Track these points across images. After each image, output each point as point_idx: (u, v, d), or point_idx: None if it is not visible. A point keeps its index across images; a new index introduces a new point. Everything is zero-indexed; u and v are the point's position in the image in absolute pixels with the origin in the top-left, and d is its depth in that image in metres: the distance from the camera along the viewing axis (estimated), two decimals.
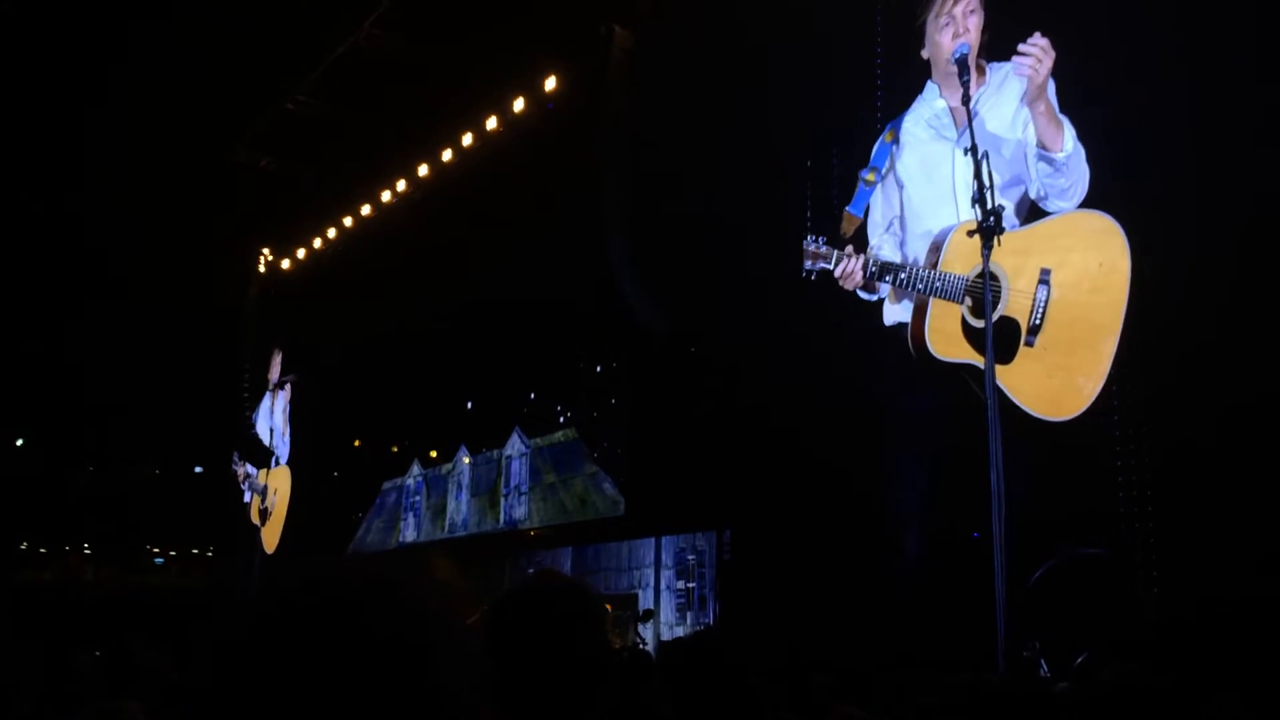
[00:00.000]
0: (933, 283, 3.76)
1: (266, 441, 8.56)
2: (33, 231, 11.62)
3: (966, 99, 3.73)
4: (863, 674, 3.58)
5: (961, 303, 3.76)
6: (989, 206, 3.44)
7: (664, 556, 9.01)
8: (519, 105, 9.41)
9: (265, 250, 12.72)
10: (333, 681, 0.96)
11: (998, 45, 4.03)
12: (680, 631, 8.52)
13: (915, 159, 4.14)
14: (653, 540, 9.09)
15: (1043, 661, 3.73)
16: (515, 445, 10.69)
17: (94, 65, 9.53)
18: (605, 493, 9.34)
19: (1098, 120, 4.01)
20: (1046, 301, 3.78)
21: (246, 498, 8.64)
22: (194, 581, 15.25)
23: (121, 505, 14.27)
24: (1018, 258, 3.78)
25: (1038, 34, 3.63)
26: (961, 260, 3.76)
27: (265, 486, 8.45)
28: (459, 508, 11.40)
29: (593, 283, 8.67)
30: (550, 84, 9.18)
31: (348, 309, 11.61)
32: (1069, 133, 3.77)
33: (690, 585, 8.66)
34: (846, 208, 4.10)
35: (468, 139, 9.92)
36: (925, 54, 4.13)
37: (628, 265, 8.04)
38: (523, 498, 10.47)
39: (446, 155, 10.21)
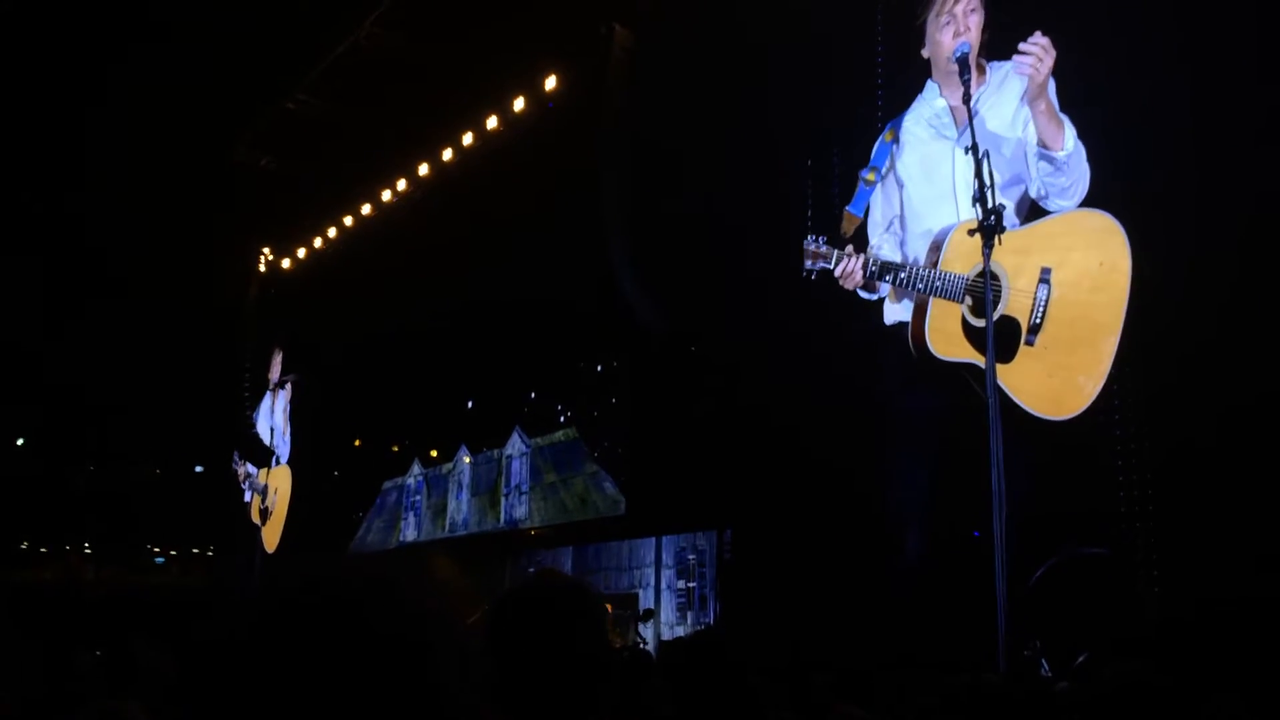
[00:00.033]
0: (933, 282, 3.76)
1: (267, 441, 8.56)
2: (33, 231, 11.61)
3: (967, 98, 3.72)
4: (863, 673, 3.58)
5: (962, 302, 3.76)
6: (989, 205, 3.44)
7: (664, 556, 9.00)
8: (519, 104, 9.41)
9: (266, 249, 12.72)
10: (333, 681, 0.96)
11: (998, 44, 4.03)
12: (681, 631, 8.52)
13: (915, 158, 4.14)
14: (653, 540, 9.08)
15: (1043, 661, 3.73)
16: (516, 445, 10.69)
17: (94, 65, 9.53)
18: (606, 492, 9.34)
19: (1098, 119, 4.01)
20: (1047, 300, 3.78)
21: (247, 497, 8.64)
22: (195, 581, 15.24)
23: (122, 504, 14.27)
24: (1018, 257, 3.78)
25: (1038, 33, 3.63)
26: (962, 259, 3.76)
27: (266, 486, 8.45)
28: (459, 507, 11.39)
29: (593, 282, 8.66)
30: (550, 83, 9.18)
31: (348, 308, 11.60)
32: (1069, 131, 3.77)
33: (691, 585, 8.65)
34: (846, 207, 4.10)
35: (468, 138, 9.92)
36: (925, 53, 4.13)
37: (628, 265, 8.04)
38: (523, 497, 10.47)
39: (447, 154, 10.21)
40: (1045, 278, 3.79)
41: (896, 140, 4.20)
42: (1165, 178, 4.56)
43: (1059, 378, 3.78)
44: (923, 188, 4.11)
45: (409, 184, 10.80)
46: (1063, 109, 3.80)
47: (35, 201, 11.38)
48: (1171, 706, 2.20)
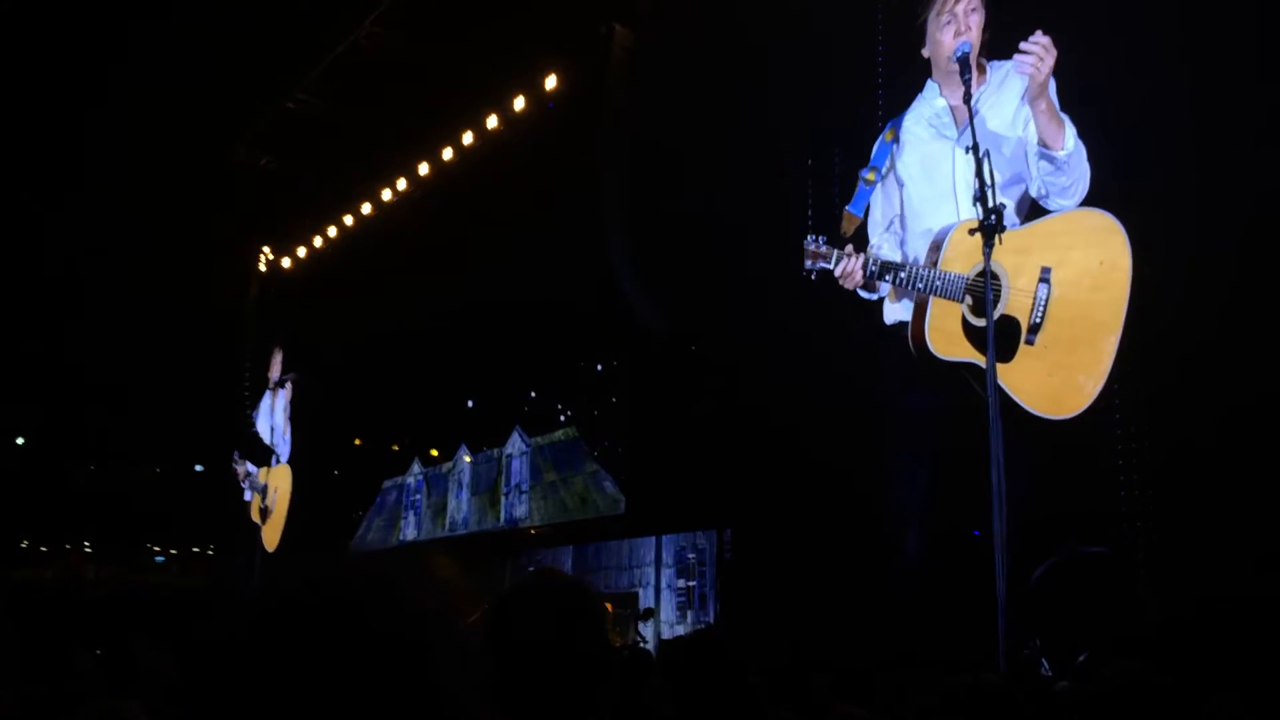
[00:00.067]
0: (933, 281, 3.76)
1: (267, 440, 8.56)
2: (33, 231, 11.61)
3: (968, 97, 3.72)
4: (863, 673, 3.58)
5: (962, 301, 3.76)
6: (990, 205, 3.44)
7: (664, 555, 9.00)
8: (519, 104, 9.41)
9: (266, 249, 12.71)
10: (333, 680, 0.97)
11: (998, 44, 4.03)
12: (681, 630, 8.52)
13: (915, 158, 4.14)
14: (653, 539, 9.09)
15: (1043, 660, 3.73)
16: (516, 444, 10.70)
17: (94, 65, 9.53)
18: (606, 491, 9.34)
19: (1098, 118, 4.01)
20: (1047, 300, 3.78)
21: (247, 496, 8.64)
22: (195, 580, 15.25)
23: (122, 504, 14.28)
24: (1018, 256, 3.78)
25: (1039, 32, 3.62)
26: (962, 259, 3.76)
27: (266, 485, 8.45)
28: (459, 506, 11.40)
29: (593, 281, 8.67)
30: (550, 83, 9.18)
31: (348, 308, 11.60)
32: (1070, 131, 3.77)
33: (691, 584, 8.66)
34: (846, 207, 4.10)
35: (468, 138, 9.92)
36: (926, 53, 4.12)
37: (628, 264, 8.04)
38: (523, 496, 10.47)
39: (447, 154, 10.21)
40: (1045, 277, 3.79)
41: (897, 140, 4.20)
42: (1165, 177, 4.56)
43: (1059, 377, 3.78)
44: (923, 187, 4.11)
45: (409, 183, 10.80)
46: (1063, 108, 3.80)
47: (35, 201, 11.38)
48: (1171, 706, 2.20)
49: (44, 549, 15.08)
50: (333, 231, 11.95)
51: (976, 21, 3.96)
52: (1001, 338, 3.66)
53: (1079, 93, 3.96)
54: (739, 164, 6.84)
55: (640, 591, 9.13)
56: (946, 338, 3.77)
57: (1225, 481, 4.37)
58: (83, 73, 9.71)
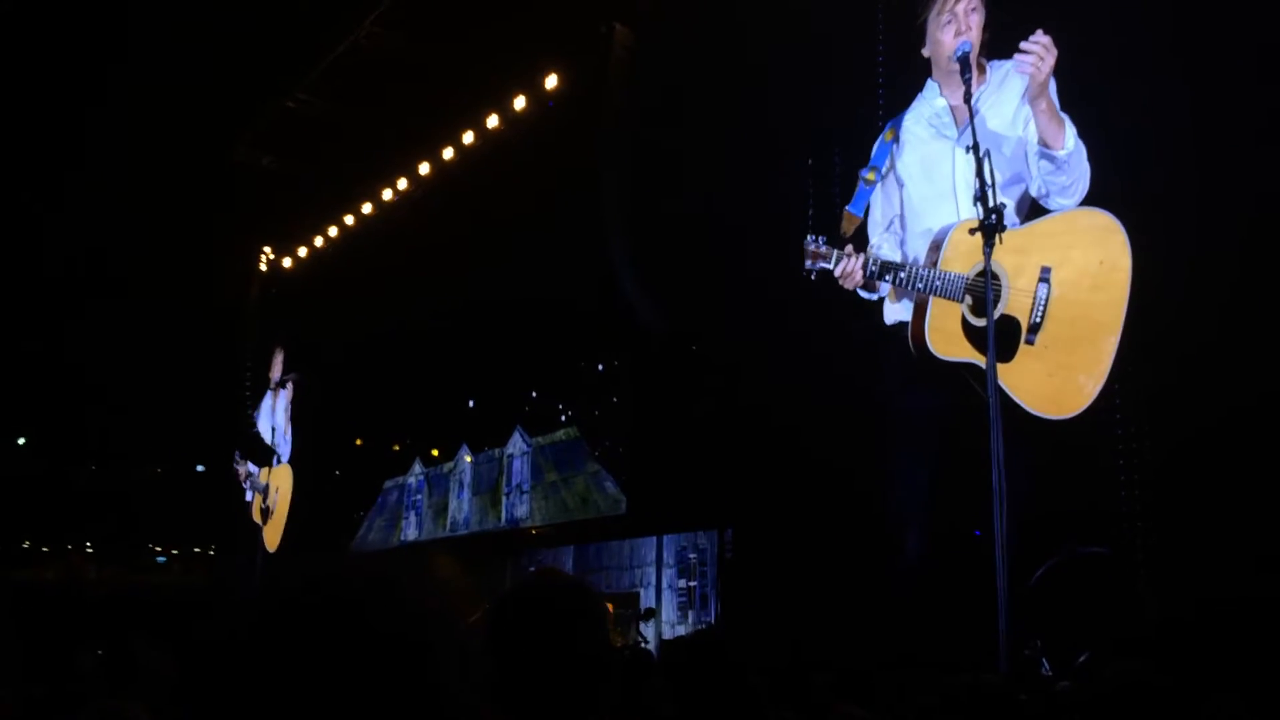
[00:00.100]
0: (933, 281, 3.76)
1: (268, 440, 8.57)
2: (33, 231, 11.62)
3: (968, 97, 3.72)
4: (864, 673, 3.58)
5: (962, 301, 3.76)
6: (990, 204, 3.44)
7: (666, 555, 9.00)
8: (520, 103, 9.41)
9: (266, 249, 12.72)
10: (334, 680, 0.97)
11: (998, 43, 4.03)
12: (682, 630, 8.52)
13: (915, 158, 4.14)
14: (654, 539, 9.08)
15: (1044, 660, 3.73)
16: (517, 444, 10.69)
17: (94, 65, 9.53)
18: (607, 491, 9.34)
19: (1099, 118, 4.01)
20: (1047, 299, 3.78)
21: (248, 496, 8.65)
22: (196, 580, 15.25)
23: (123, 504, 14.28)
24: (1018, 256, 3.78)
25: (1040, 31, 3.63)
26: (962, 259, 3.76)
27: (267, 485, 8.46)
28: (460, 506, 11.40)
29: (594, 281, 8.66)
30: (551, 82, 9.18)
31: (349, 307, 11.60)
32: (1070, 130, 3.77)
33: (692, 584, 8.66)
34: (846, 207, 4.10)
35: (469, 137, 9.92)
36: (926, 52, 4.12)
37: (628, 264, 8.04)
38: (524, 496, 10.47)
39: (447, 154, 10.21)
40: (1045, 277, 3.79)
41: (897, 140, 4.20)
42: (1166, 177, 4.56)
43: (1059, 377, 3.78)
44: (923, 187, 4.11)
45: (410, 183, 10.80)
46: (1063, 107, 3.80)
47: (35, 201, 11.38)
48: (1171, 706, 2.20)
49: (45, 549, 15.08)
50: (333, 231, 11.95)
51: (977, 21, 3.96)
52: (1001, 338, 3.66)
53: (1079, 92, 3.96)
54: (739, 164, 6.84)
55: (641, 591, 9.13)
56: (946, 338, 3.77)
57: (1225, 481, 4.37)
58: (83, 73, 9.71)
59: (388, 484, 12.68)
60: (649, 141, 7.88)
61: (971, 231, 3.52)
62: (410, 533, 12.08)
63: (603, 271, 8.26)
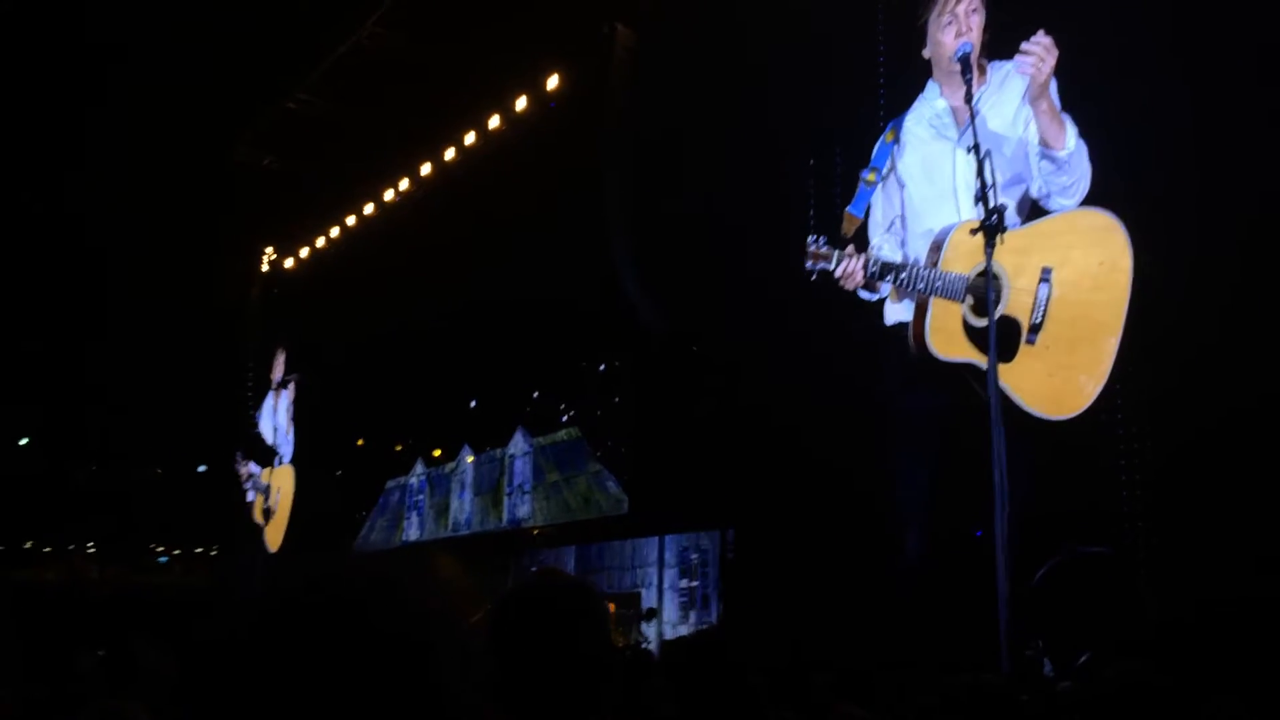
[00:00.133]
0: (933, 282, 3.76)
1: (270, 440, 8.58)
2: (33, 231, 11.62)
3: (969, 98, 3.72)
4: (864, 673, 3.58)
5: (962, 302, 3.76)
6: (991, 205, 3.45)
7: (667, 555, 9.01)
8: (521, 104, 9.41)
9: (268, 249, 12.73)
10: (336, 680, 0.97)
11: (998, 44, 4.03)
12: (683, 630, 8.52)
13: (916, 159, 4.14)
14: (656, 539, 9.09)
15: (1045, 660, 3.73)
16: (518, 444, 10.70)
17: (94, 65, 9.53)
18: (608, 491, 9.35)
19: (1099, 118, 4.00)
20: (1048, 300, 3.78)
21: (250, 497, 8.65)
22: (198, 580, 15.26)
23: (125, 504, 14.29)
24: (1018, 256, 3.78)
25: (1040, 32, 3.63)
26: (962, 259, 3.76)
27: (268, 485, 8.46)
28: (462, 506, 11.40)
29: (595, 281, 8.66)
30: (552, 82, 9.18)
31: (351, 308, 11.61)
32: (1071, 130, 3.77)
33: (693, 584, 8.66)
34: (847, 208, 4.10)
35: (470, 138, 9.92)
36: (926, 53, 4.12)
37: (630, 264, 8.04)
38: (526, 496, 10.48)
39: (449, 154, 10.21)
40: (1046, 277, 3.79)
41: (897, 140, 4.20)
42: (1166, 177, 4.56)
43: (1060, 377, 3.78)
44: (924, 188, 4.11)
45: (411, 184, 10.81)
46: (1064, 108, 3.80)
47: (35, 201, 11.39)
48: (1172, 707, 2.20)
49: (47, 550, 15.10)
50: (335, 232, 11.96)
51: (977, 22, 3.96)
52: (1002, 338, 3.66)
53: (1080, 92, 3.96)
54: (739, 164, 6.84)
55: (643, 592, 9.14)
56: (947, 338, 3.77)
57: (1226, 482, 4.37)
58: (83, 73, 9.72)
59: (389, 484, 12.69)
60: (650, 142, 7.88)
61: (972, 232, 3.52)
62: (412, 533, 12.09)
63: (604, 271, 8.27)
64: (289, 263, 12.73)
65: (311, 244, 12.33)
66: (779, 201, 6.51)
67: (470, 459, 11.41)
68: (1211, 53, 4.60)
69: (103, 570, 14.48)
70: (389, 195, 11.07)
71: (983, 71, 4.08)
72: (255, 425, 8.90)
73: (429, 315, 11.11)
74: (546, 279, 9.40)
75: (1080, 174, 3.84)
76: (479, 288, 10.32)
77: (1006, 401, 3.58)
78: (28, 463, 14.26)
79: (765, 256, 5.92)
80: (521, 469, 10.62)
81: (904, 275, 3.80)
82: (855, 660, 3.86)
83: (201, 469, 13.92)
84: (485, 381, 11.00)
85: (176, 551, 16.71)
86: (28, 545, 15.00)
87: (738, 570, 7.43)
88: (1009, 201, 3.96)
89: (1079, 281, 3.81)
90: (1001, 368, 3.54)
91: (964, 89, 3.74)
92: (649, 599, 9.02)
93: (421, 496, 12.09)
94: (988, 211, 3.45)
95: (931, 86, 4.20)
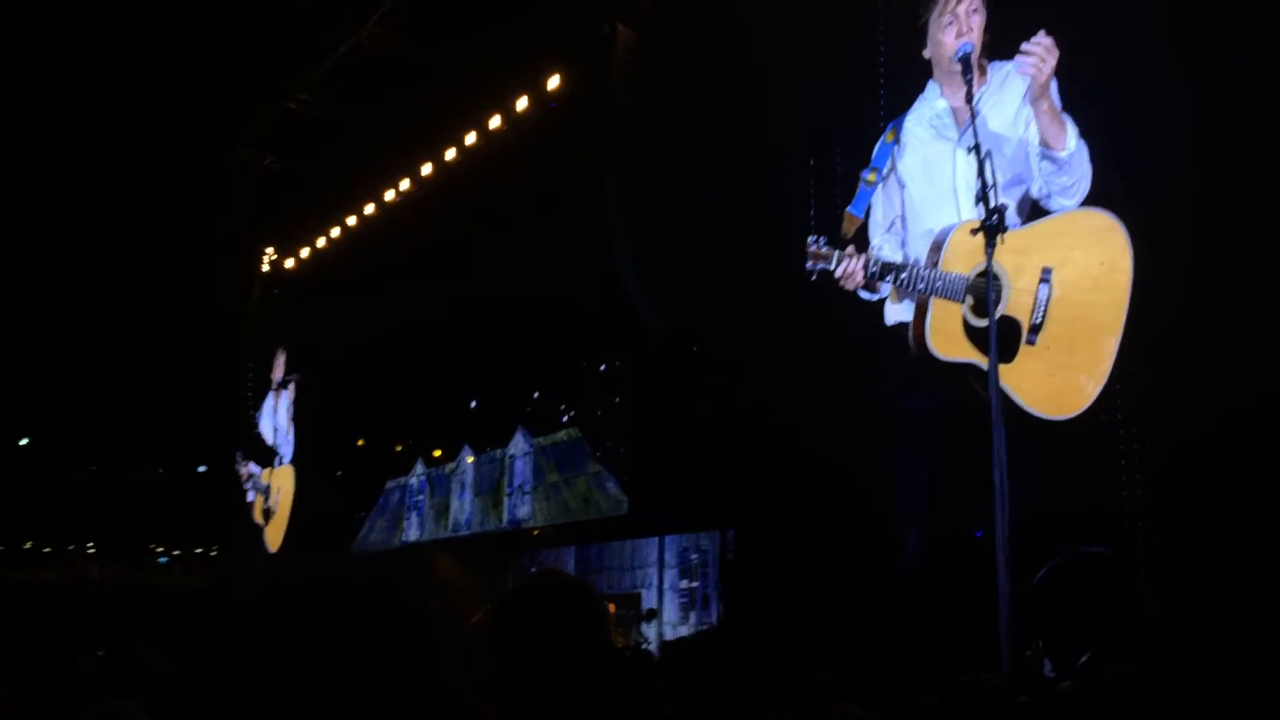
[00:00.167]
0: (933, 282, 3.76)
1: (270, 440, 8.58)
2: (33, 231, 11.62)
3: (970, 98, 3.72)
4: (864, 673, 3.58)
5: (962, 302, 3.76)
6: (992, 205, 3.45)
7: (667, 556, 9.01)
8: (522, 104, 9.41)
9: (269, 249, 12.72)
10: (336, 680, 0.97)
11: (998, 45, 4.03)
12: (683, 631, 8.52)
13: (917, 159, 4.14)
14: (656, 539, 9.09)
15: (1046, 661, 3.73)
16: (519, 444, 10.70)
17: (94, 65, 9.53)
18: (608, 492, 9.34)
19: (1100, 118, 4.00)
20: (1048, 300, 3.78)
21: (250, 497, 8.66)
22: (198, 581, 15.27)
23: (125, 504, 14.29)
24: (1019, 256, 3.78)
25: (1041, 33, 3.63)
26: (962, 259, 3.76)
27: (268, 486, 8.46)
28: (462, 507, 11.40)
29: (596, 281, 8.66)
30: (553, 83, 9.18)
31: (351, 308, 11.61)
32: (1072, 130, 3.77)
33: (693, 584, 8.66)
34: (847, 208, 4.10)
35: (471, 138, 9.92)
36: (927, 53, 4.12)
37: (630, 264, 8.04)
38: (526, 497, 10.47)
39: (450, 154, 10.21)
40: (1046, 277, 3.79)
41: (898, 141, 4.20)
42: (1167, 177, 4.56)
43: (1060, 377, 3.78)
44: (924, 188, 4.11)
45: (412, 184, 10.81)
46: (1064, 108, 3.80)
47: (35, 201, 11.39)
48: (1172, 707, 2.20)
49: (47, 550, 15.10)
50: (336, 232, 11.96)
51: (978, 22, 3.96)
52: (1002, 338, 3.66)
53: (1080, 93, 3.96)
54: (739, 164, 6.84)
55: (643, 592, 9.14)
56: (947, 338, 3.77)
57: (1226, 482, 4.37)
58: (83, 73, 9.72)
59: (389, 484, 12.69)
60: (650, 142, 7.88)
61: (973, 232, 3.52)
62: (412, 533, 12.09)
63: (604, 272, 8.27)
64: (289, 263, 12.73)
65: (312, 244, 12.33)
66: (779, 201, 6.51)
67: (470, 459, 11.41)
68: (1212, 53, 4.60)
69: (103, 570, 14.49)
70: (389, 195, 11.08)
71: (983, 72, 4.08)
72: (255, 425, 8.90)
73: (429, 315, 11.11)
74: (546, 279, 9.40)
75: (1081, 174, 3.84)
76: (479, 288, 10.31)
77: (1007, 401, 3.58)
78: (28, 463, 14.26)
79: (765, 256, 5.92)
80: (521, 469, 10.62)
81: (904, 275, 3.80)
82: (855, 660, 3.86)
83: (202, 469, 13.92)
84: (485, 382, 11.00)
85: (176, 552, 16.71)
86: (28, 545, 15.00)
87: (738, 571, 7.43)
88: (1009, 202, 3.96)
89: (1079, 282, 3.81)
90: (1001, 368, 3.54)
91: (964, 89, 3.74)
92: (649, 599, 9.02)
93: (421, 497, 12.09)
94: (988, 212, 3.45)
95: (932, 87, 4.20)
